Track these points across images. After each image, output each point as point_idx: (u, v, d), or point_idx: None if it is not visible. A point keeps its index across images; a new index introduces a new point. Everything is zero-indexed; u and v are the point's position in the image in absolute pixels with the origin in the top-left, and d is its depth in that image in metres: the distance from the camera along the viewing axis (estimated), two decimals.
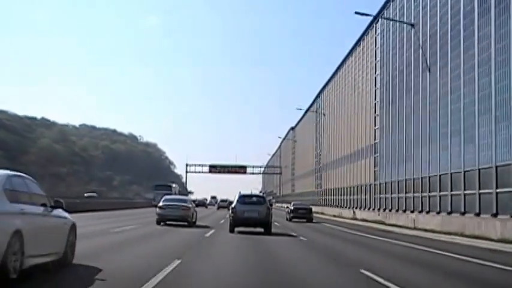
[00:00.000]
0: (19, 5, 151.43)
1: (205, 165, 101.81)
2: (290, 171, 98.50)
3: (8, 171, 7.17)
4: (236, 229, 19.98)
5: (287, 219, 35.44)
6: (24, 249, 6.46)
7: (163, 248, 13.10)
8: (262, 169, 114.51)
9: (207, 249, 13.32)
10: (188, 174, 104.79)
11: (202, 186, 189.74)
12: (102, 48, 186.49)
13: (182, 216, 23.14)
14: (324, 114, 62.76)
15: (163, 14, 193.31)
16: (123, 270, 8.58)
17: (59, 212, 8.27)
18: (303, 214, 35.72)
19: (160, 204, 23.81)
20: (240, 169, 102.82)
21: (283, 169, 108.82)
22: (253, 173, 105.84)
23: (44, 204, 7.73)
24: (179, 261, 9.70)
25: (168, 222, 22.95)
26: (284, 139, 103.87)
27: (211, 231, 20.17)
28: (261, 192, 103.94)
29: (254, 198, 21.35)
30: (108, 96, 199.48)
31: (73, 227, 8.80)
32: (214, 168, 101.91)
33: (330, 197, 57.81)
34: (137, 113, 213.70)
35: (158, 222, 22.97)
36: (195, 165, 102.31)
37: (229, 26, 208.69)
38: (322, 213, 55.14)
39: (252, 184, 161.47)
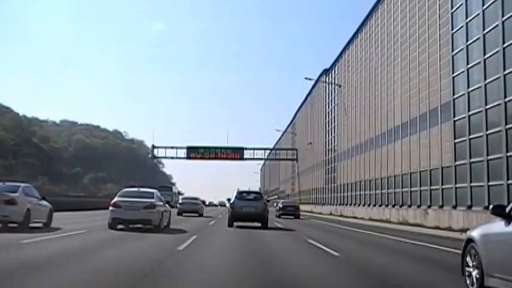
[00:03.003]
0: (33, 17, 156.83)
1: (181, 148, 67.84)
2: (322, 150, 60.11)
3: (154, 190, 18.17)
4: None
5: (276, 216, 37.75)
6: (162, 219, 16.71)
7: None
8: (268, 152, 74.79)
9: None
10: (162, 163, 73.22)
11: (184, 188, 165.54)
12: (101, 53, 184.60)
13: (195, 209, 34.91)
14: None
15: (168, 21, 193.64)
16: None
17: (166, 205, 18.43)
18: (290, 211, 38.75)
19: (180, 201, 37.64)
20: (234, 153, 67.98)
21: (300, 152, 73.17)
22: (253, 159, 70.73)
23: (162, 201, 17.55)
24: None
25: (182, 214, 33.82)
26: (314, 85, 64.61)
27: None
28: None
29: (252, 195, 22.72)
30: (105, 98, 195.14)
31: (171, 211, 19.11)
32: (194, 153, 67.79)
33: None
34: (132, 115, 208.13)
35: (178, 214, 32.83)
36: (165, 147, 68.51)
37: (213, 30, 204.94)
38: None
39: (249, 183, 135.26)
